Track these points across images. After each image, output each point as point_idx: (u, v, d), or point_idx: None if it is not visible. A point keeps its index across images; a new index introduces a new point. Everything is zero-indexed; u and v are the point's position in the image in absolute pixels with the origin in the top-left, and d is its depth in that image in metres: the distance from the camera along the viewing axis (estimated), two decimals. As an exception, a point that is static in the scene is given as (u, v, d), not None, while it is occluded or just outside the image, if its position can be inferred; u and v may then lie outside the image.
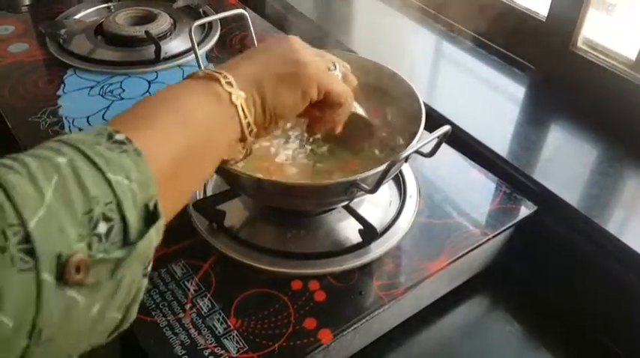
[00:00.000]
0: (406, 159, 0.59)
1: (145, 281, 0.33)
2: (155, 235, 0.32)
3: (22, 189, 0.28)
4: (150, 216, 0.32)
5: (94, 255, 0.28)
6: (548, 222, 0.70)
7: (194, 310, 0.56)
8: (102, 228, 0.29)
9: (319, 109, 0.52)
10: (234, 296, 0.57)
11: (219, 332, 0.54)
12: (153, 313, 0.56)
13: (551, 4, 0.82)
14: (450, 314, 0.68)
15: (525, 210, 0.69)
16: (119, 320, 0.33)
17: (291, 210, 0.64)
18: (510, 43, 0.92)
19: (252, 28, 0.72)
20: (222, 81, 0.42)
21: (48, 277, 0.27)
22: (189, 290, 0.58)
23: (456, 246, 0.64)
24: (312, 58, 0.49)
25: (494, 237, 0.65)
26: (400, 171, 0.71)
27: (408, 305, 0.63)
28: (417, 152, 0.57)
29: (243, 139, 0.45)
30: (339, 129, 0.56)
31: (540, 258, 0.72)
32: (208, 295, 0.58)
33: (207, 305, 0.57)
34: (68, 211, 0.28)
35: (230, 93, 0.42)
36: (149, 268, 0.33)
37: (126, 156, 0.32)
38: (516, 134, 0.81)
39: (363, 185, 0.53)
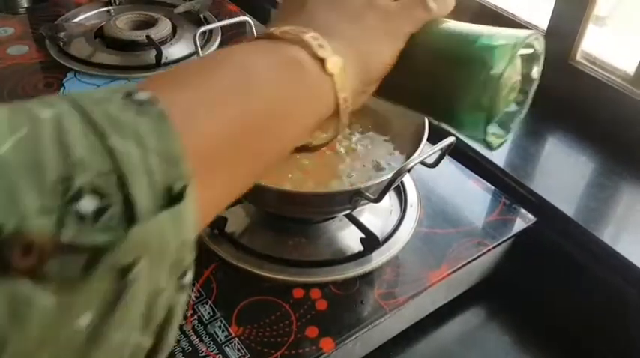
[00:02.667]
0: (410, 169, 0.60)
1: (182, 297, 0.25)
2: (170, 224, 0.23)
3: None
4: (175, 203, 0.23)
5: (59, 236, 0.20)
6: (546, 233, 0.71)
7: (195, 317, 0.56)
8: (86, 204, 0.21)
9: None
10: (236, 304, 0.57)
11: (220, 340, 0.54)
12: (154, 319, 0.55)
13: (551, 17, 0.83)
14: (448, 324, 0.68)
15: (524, 221, 0.69)
16: (148, 347, 0.25)
17: (293, 217, 0.65)
18: (509, 56, 0.92)
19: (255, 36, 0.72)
20: (313, 43, 0.32)
21: None
22: (190, 296, 0.58)
23: (456, 256, 0.64)
24: None
25: (494, 248, 0.66)
26: (401, 181, 0.72)
27: (409, 315, 0.63)
28: (421, 162, 0.57)
29: (334, 116, 0.35)
30: None
31: (538, 268, 0.72)
32: (209, 302, 0.57)
33: (209, 312, 0.56)
34: (31, 172, 0.20)
35: (323, 60, 0.32)
36: (186, 278, 0.25)
37: (145, 119, 0.23)
38: (515, 146, 0.81)
39: (368, 194, 0.54)
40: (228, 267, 0.61)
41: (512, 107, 0.41)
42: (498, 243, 0.66)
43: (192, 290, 0.58)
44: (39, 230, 0.20)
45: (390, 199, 0.70)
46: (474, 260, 0.64)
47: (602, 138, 0.80)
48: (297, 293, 0.59)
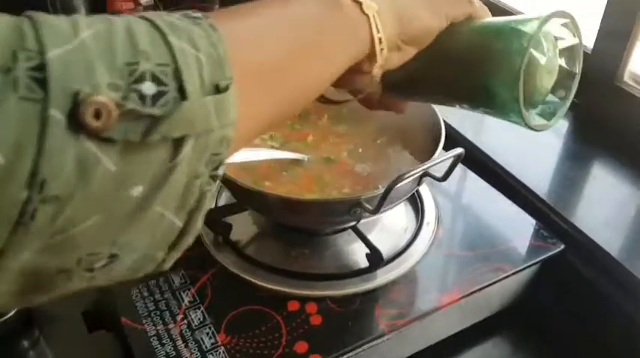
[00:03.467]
0: (419, 183, 0.56)
1: (213, 186, 0.28)
2: (213, 109, 0.26)
3: (55, 23, 0.23)
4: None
5: (124, 104, 0.23)
6: (577, 263, 0.65)
7: (185, 322, 0.54)
8: (148, 87, 0.24)
9: None
10: (227, 312, 0.55)
11: (205, 347, 0.52)
12: (144, 321, 0.54)
13: (597, 35, 0.78)
14: (464, 353, 0.63)
15: (552, 248, 0.64)
16: (179, 228, 0.28)
17: (299, 227, 0.62)
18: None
19: None
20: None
21: (57, 114, 0.22)
22: (183, 300, 0.56)
23: (471, 279, 0.60)
24: None
25: (514, 274, 0.61)
26: (420, 198, 0.68)
27: (414, 339, 0.59)
28: (430, 175, 0.54)
29: (369, 58, 0.38)
30: None
31: (566, 300, 0.67)
32: (202, 307, 0.56)
33: (199, 318, 0.55)
34: (105, 54, 0.24)
35: (360, 3, 0.36)
36: (219, 170, 0.28)
37: (198, 27, 0.27)
38: (551, 169, 0.76)
39: (367, 205, 0.51)
40: (226, 274, 0.59)
41: (554, 98, 0.43)
42: (520, 269, 0.61)
43: (187, 294, 0.57)
44: (108, 98, 0.23)
45: (406, 216, 0.67)
46: (491, 285, 0.60)
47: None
48: (293, 305, 0.56)
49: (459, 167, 0.73)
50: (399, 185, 0.49)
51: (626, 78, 0.76)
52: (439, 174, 0.55)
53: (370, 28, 0.37)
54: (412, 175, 0.49)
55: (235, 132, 0.28)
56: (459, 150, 0.50)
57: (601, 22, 0.77)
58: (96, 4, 1.17)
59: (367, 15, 0.36)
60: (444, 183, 0.70)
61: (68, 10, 1.14)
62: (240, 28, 0.31)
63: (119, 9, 1.17)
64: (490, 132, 0.83)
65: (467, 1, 0.43)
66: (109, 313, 0.59)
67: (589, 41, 0.80)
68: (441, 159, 0.50)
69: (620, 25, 0.75)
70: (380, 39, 0.37)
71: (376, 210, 0.50)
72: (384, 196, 0.49)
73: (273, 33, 0.32)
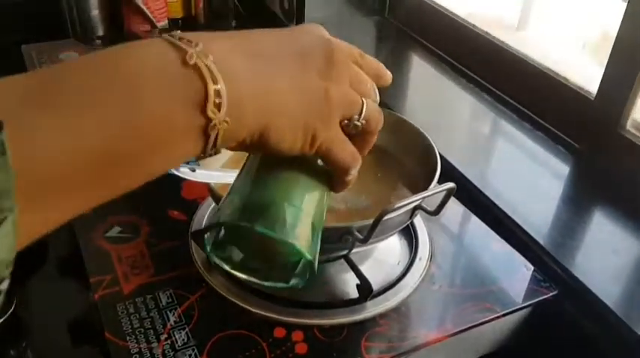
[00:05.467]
0: (412, 216, 0.56)
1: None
2: None
3: None
4: None
5: None
6: (571, 310, 0.64)
7: (169, 342, 0.54)
8: None
9: None
10: (212, 334, 0.55)
11: (187, 368, 0.52)
12: (127, 338, 0.54)
13: (601, 82, 0.78)
14: (450, 394, 0.62)
15: (545, 292, 0.63)
16: None
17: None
18: (557, 120, 0.88)
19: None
20: (210, 101, 0.29)
21: None
22: (169, 320, 0.56)
23: (460, 318, 0.59)
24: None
25: (504, 315, 0.60)
26: (414, 233, 0.68)
27: (398, 375, 0.58)
28: (422, 209, 0.54)
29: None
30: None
31: (557, 348, 0.65)
32: (187, 328, 0.55)
33: (183, 339, 0.54)
34: None
35: (209, 119, 0.29)
36: (2, 285, 0.24)
37: None
38: (551, 214, 0.76)
39: (357, 234, 0.51)
40: (214, 296, 0.59)
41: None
42: (509, 311, 0.61)
43: (174, 314, 0.57)
44: None
45: (400, 250, 0.67)
46: (480, 325, 0.59)
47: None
48: (279, 332, 0.56)
49: (457, 204, 0.74)
50: (389, 216, 0.49)
51: (629, 126, 0.76)
52: (432, 208, 0.55)
53: (206, 140, 0.30)
54: (401, 207, 0.49)
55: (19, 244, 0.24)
56: (450, 185, 0.51)
57: (605, 68, 0.78)
58: (115, 24, 1.19)
59: (213, 131, 0.30)
60: (441, 221, 0.71)
61: (87, 31, 1.16)
62: (47, 125, 0.25)
63: (136, 31, 1.19)
64: (493, 174, 0.83)
65: (350, 151, 0.38)
66: (93, 327, 0.58)
67: (593, 86, 0.81)
68: (431, 192, 0.50)
69: (625, 71, 0.75)
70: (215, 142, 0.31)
71: (366, 240, 0.50)
72: (374, 226, 0.49)
73: (84, 135, 0.25)
